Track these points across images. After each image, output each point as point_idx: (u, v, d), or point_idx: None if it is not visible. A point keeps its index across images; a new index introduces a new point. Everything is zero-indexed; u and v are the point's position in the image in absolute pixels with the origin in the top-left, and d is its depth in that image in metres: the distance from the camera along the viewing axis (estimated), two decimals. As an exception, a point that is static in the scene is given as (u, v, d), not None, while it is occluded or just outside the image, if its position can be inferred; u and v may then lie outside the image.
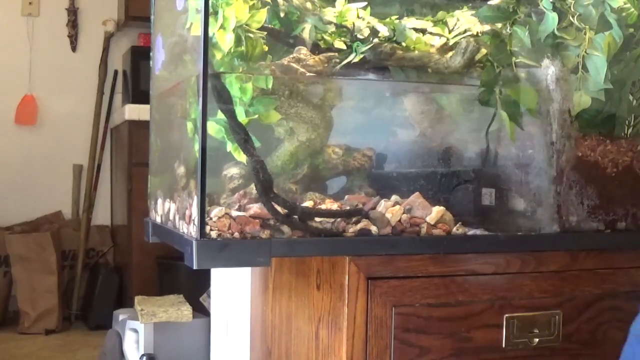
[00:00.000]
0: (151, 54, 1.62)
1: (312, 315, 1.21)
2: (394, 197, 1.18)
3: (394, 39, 1.35)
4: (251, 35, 1.19)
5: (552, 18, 1.19)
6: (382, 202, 1.17)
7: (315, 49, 1.33)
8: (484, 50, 1.27)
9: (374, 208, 1.15)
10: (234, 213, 1.17)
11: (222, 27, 1.14)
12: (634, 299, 1.24)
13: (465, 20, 1.36)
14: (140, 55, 3.59)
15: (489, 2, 1.31)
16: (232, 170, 1.38)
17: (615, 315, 1.25)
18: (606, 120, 1.26)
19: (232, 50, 1.17)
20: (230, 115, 1.18)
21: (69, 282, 3.58)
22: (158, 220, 1.73)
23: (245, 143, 1.17)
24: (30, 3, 3.79)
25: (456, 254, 1.14)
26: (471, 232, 1.16)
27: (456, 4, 1.43)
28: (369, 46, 1.31)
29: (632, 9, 1.24)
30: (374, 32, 1.36)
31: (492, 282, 1.17)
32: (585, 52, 1.20)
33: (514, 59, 1.23)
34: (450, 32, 1.37)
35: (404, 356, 1.12)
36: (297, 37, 1.33)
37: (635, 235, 1.27)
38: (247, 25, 1.17)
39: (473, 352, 1.15)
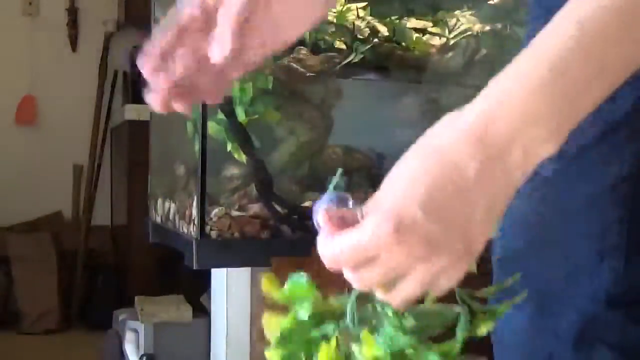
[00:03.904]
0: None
1: (312, 315, 1.20)
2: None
3: (394, 39, 1.35)
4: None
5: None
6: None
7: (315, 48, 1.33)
8: (483, 50, 1.27)
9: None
10: (234, 213, 1.17)
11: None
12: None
13: (465, 20, 1.35)
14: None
15: (488, 2, 1.31)
16: (232, 171, 1.38)
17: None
18: None
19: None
20: (230, 115, 1.18)
21: (69, 282, 3.58)
22: (158, 220, 1.73)
23: (245, 143, 1.17)
24: (30, 3, 3.79)
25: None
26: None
27: (456, 4, 1.43)
28: (369, 46, 1.31)
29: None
30: (374, 32, 1.36)
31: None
32: None
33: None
34: (450, 32, 1.37)
35: (404, 356, 1.11)
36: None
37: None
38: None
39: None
